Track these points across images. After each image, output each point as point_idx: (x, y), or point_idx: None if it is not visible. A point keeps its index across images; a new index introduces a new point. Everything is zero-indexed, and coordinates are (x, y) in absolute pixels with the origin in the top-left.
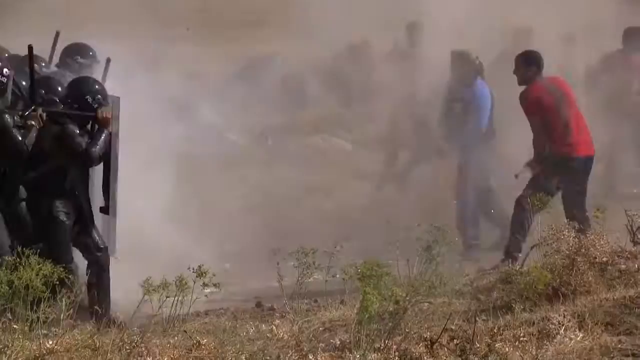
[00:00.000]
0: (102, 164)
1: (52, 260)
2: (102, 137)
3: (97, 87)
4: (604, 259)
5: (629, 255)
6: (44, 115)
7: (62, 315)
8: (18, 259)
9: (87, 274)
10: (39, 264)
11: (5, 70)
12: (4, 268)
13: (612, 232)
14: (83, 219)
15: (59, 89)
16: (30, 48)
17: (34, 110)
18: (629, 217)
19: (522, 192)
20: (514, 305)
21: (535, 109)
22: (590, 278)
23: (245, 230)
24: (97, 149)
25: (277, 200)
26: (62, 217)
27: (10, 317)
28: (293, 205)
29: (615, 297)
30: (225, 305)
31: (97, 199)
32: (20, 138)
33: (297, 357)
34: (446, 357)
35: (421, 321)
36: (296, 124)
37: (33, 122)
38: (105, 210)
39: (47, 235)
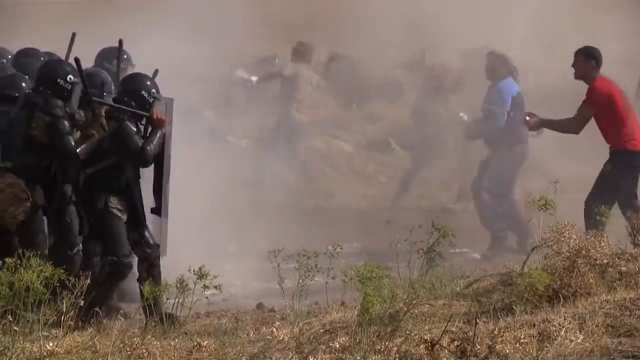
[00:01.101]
0: (152, 165)
1: (110, 255)
2: (157, 137)
3: (150, 83)
4: (605, 261)
5: (629, 257)
6: (106, 126)
7: (62, 317)
8: (19, 261)
9: (137, 270)
10: (39, 266)
11: (70, 77)
12: (4, 270)
13: (613, 233)
14: (135, 216)
15: (107, 85)
16: (77, 60)
17: (96, 120)
18: (629, 218)
19: (591, 194)
20: (514, 307)
21: (606, 102)
22: (590, 280)
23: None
24: (152, 148)
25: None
26: (117, 212)
27: (10, 319)
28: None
29: (615, 299)
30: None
31: (145, 199)
32: (73, 144)
33: (297, 359)
34: (447, 359)
35: (421, 323)
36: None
37: (94, 132)
38: (156, 211)
39: (103, 230)
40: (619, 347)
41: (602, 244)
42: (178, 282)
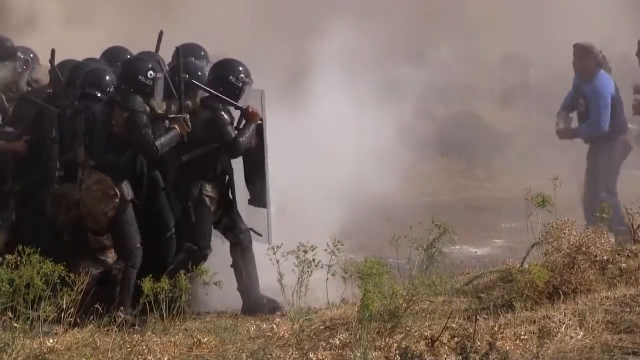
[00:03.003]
0: (241, 157)
1: (191, 242)
2: (250, 130)
3: (239, 67)
4: (605, 257)
5: (629, 254)
6: (189, 122)
7: (63, 314)
8: (19, 257)
9: (231, 255)
10: (40, 262)
11: (150, 72)
12: (4, 266)
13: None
14: (227, 203)
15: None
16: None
17: (179, 115)
18: (630, 215)
19: None
20: (514, 304)
21: None
22: (590, 276)
23: None
24: (245, 140)
25: None
26: (209, 202)
27: (11, 316)
28: None
29: (615, 296)
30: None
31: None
32: (151, 137)
33: (297, 356)
34: (447, 355)
35: (422, 320)
36: None
37: (176, 127)
38: (254, 202)
39: (191, 219)
40: (619, 344)
41: (602, 241)
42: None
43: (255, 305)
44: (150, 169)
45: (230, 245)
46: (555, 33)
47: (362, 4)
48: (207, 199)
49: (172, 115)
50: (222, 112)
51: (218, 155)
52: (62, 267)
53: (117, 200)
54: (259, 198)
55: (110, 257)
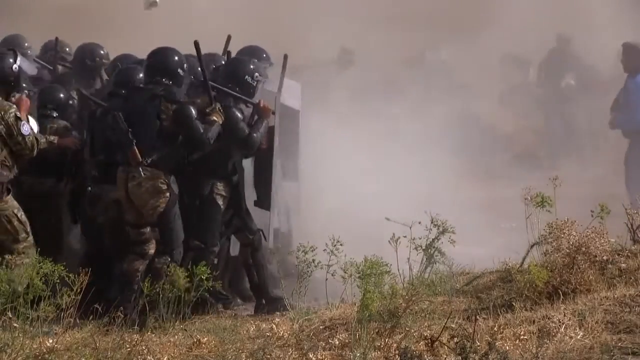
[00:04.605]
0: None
1: (199, 240)
2: (263, 126)
3: (252, 66)
4: (605, 258)
5: (629, 254)
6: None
7: (62, 314)
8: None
9: (240, 256)
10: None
11: (186, 65)
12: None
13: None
14: (238, 202)
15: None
16: (196, 44)
17: (213, 106)
18: (629, 215)
19: None
20: (514, 304)
21: None
22: (590, 276)
23: None
24: (258, 136)
25: None
26: (219, 200)
27: (10, 316)
28: None
29: (615, 296)
30: None
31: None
32: (202, 130)
33: (297, 356)
34: (446, 355)
35: (421, 320)
36: None
37: (215, 118)
38: (259, 203)
39: (201, 217)
40: (619, 344)
41: (602, 241)
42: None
43: (270, 304)
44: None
45: (241, 246)
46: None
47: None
48: (218, 198)
49: (210, 109)
50: (234, 110)
51: (230, 153)
52: (62, 267)
53: (168, 194)
54: (264, 200)
55: (152, 248)
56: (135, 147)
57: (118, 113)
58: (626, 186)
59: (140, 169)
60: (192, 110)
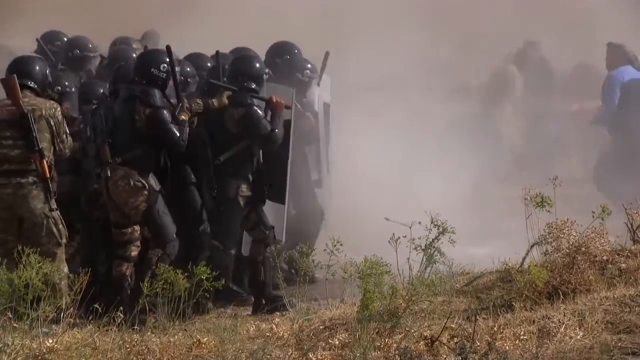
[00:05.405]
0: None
1: (217, 241)
2: (279, 120)
3: (260, 64)
4: (604, 258)
5: (629, 254)
6: (188, 105)
7: (62, 315)
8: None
9: (251, 252)
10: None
11: (163, 65)
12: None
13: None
14: (256, 199)
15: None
16: (168, 48)
17: (180, 104)
18: (629, 215)
19: None
20: (514, 304)
21: None
22: (590, 276)
23: None
24: (280, 132)
25: None
26: (242, 201)
27: (10, 316)
28: None
29: (615, 296)
30: None
31: None
32: (177, 133)
33: (297, 356)
34: (446, 355)
35: (421, 320)
36: None
37: (183, 117)
38: (272, 197)
39: (223, 218)
40: (619, 344)
41: (602, 241)
42: None
43: (272, 302)
44: (175, 162)
45: (254, 242)
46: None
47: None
48: (241, 199)
49: (177, 110)
50: (256, 107)
51: (253, 151)
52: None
53: (146, 192)
54: (278, 194)
55: (135, 250)
56: (107, 146)
57: (100, 111)
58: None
59: (108, 168)
60: (166, 114)
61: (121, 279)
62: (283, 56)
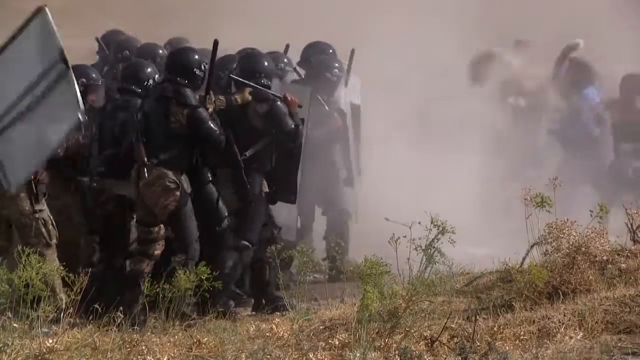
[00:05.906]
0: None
1: (245, 239)
2: (296, 117)
3: (268, 63)
4: (604, 258)
5: (629, 254)
6: (213, 98)
7: (62, 315)
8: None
9: (258, 250)
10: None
11: (203, 65)
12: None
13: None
14: (268, 198)
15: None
16: (215, 42)
17: (207, 96)
18: (629, 215)
19: None
20: (514, 304)
21: None
22: (590, 277)
23: None
24: (301, 127)
25: None
26: (265, 198)
27: (10, 316)
28: None
29: (615, 296)
30: None
31: None
32: (217, 130)
33: (297, 356)
34: (446, 355)
35: (421, 320)
36: None
37: (210, 110)
38: (282, 197)
39: (247, 214)
40: (619, 344)
41: (602, 241)
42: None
43: (273, 303)
44: (204, 162)
45: (262, 241)
46: None
47: None
48: (264, 195)
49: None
50: (280, 103)
51: (273, 148)
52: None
53: (178, 193)
54: (289, 194)
55: (159, 249)
56: (142, 147)
57: (134, 112)
58: None
59: (145, 169)
60: (204, 112)
61: (138, 275)
62: (318, 55)
